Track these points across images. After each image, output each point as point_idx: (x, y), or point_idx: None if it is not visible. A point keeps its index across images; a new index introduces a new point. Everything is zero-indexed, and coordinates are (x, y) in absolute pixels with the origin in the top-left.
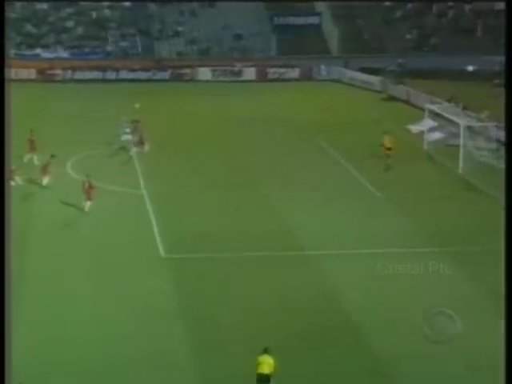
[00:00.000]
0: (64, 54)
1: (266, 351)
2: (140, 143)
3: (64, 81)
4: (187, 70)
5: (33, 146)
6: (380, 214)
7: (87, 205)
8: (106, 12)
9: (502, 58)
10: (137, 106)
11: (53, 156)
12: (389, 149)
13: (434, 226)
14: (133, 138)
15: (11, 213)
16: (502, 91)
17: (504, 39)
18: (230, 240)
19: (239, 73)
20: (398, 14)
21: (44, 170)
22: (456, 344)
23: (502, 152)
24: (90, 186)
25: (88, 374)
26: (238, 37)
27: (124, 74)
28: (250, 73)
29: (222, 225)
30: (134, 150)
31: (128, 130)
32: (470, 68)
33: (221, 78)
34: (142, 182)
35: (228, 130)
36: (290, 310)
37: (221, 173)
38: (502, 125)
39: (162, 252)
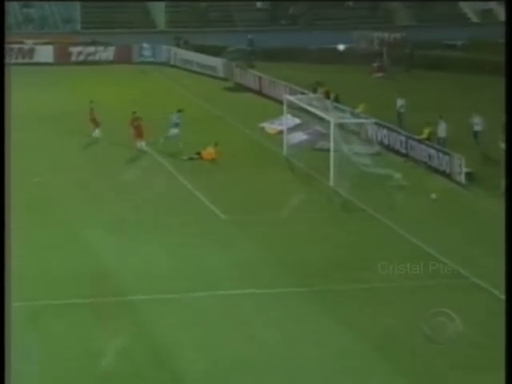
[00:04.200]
0: None
1: None
2: None
3: None
4: None
5: None
6: (225, 242)
7: None
8: None
9: (381, 34)
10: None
11: None
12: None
13: (297, 258)
14: None
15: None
16: (382, 77)
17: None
18: (23, 284)
19: (30, 53)
20: None
21: None
22: None
23: (385, 157)
24: None
25: None
26: (27, 4)
27: None
28: (45, 53)
29: (14, 264)
30: None
31: None
32: (341, 47)
33: (4, 60)
34: None
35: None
36: (108, 373)
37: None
38: (384, 122)
39: None
